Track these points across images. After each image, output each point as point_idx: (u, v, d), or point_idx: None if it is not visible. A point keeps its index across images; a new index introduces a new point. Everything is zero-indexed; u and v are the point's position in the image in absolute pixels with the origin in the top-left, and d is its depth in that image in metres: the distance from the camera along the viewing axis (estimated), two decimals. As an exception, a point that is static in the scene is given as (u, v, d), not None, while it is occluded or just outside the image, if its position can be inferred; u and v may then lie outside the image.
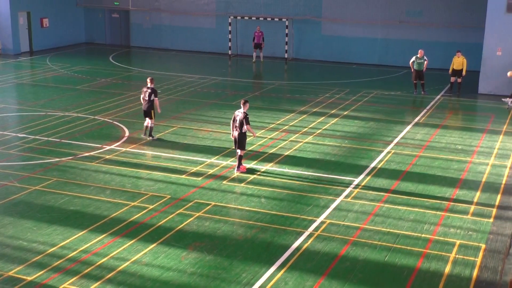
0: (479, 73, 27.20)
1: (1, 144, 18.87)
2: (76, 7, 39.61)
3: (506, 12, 25.94)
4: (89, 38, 40.83)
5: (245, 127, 15.91)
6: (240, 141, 16.11)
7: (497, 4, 25.93)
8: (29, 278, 11.04)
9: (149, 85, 18.87)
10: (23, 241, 12.52)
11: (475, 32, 30.04)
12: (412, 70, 26.25)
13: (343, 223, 13.55)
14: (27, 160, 17.51)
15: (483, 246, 12.54)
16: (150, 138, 19.13)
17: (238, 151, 16.29)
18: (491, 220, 13.82)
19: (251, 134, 17.00)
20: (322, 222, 13.55)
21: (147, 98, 18.71)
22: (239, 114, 16.00)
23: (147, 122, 19.06)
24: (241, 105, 16.14)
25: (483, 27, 26.88)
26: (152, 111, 18.76)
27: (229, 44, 36.46)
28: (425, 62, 25.82)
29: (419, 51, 25.90)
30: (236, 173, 16.38)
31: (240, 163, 16.45)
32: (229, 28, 36.20)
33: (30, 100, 25.12)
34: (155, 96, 18.77)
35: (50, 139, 19.47)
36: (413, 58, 26.06)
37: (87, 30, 40.68)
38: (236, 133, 16.09)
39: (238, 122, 15.96)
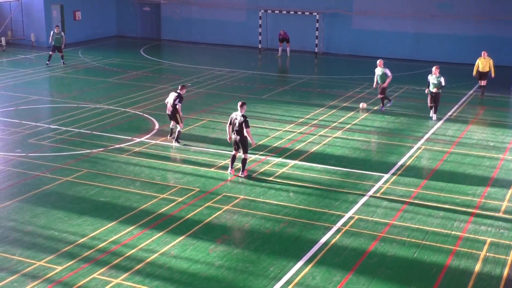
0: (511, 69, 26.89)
1: (33, 136, 19.13)
2: (108, 0, 39.90)
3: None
4: (120, 31, 41.13)
5: (245, 130, 15.36)
6: (244, 145, 15.57)
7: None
8: (60, 268, 11.18)
9: (179, 90, 18.25)
10: (54, 231, 12.69)
11: (506, 25, 29.57)
12: (427, 91, 21.99)
13: (371, 218, 13.49)
14: (59, 152, 17.71)
15: (514, 244, 12.42)
16: (176, 143, 18.39)
17: (242, 155, 15.72)
18: (523, 218, 13.68)
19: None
20: (351, 218, 13.51)
21: (171, 102, 17.98)
22: (237, 117, 15.45)
23: (172, 124, 18.60)
24: (238, 107, 15.64)
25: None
26: (177, 115, 18.21)
27: (259, 38, 36.43)
28: (442, 81, 21.26)
29: (434, 68, 21.60)
30: (241, 175, 15.85)
31: (244, 167, 15.81)
32: (259, 22, 36.17)
33: (62, 92, 25.43)
34: (180, 102, 17.98)
35: (81, 130, 19.69)
36: (429, 78, 21.76)
37: (118, 23, 40.98)
38: (237, 138, 15.50)
39: (237, 126, 15.43)
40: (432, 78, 21.28)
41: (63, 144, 18.39)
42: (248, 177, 15.84)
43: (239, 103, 15.73)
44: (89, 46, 36.89)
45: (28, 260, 11.46)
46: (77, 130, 19.76)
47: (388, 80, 22.45)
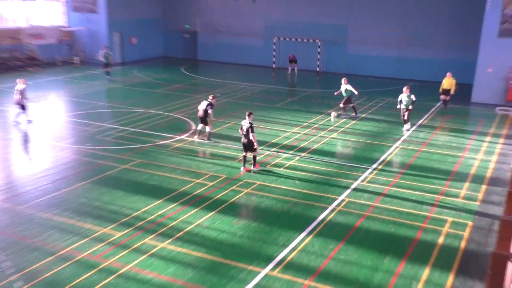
0: (471, 86, 26.67)
1: (100, 133, 19.38)
2: (156, 29, 40.16)
3: (498, 37, 25.23)
4: (166, 52, 41.36)
5: (251, 134, 15.23)
6: (250, 146, 15.36)
7: (491, 30, 25.29)
8: (119, 234, 11.41)
9: (210, 99, 18.21)
10: (115, 206, 12.93)
11: (468, 52, 29.38)
12: (399, 107, 20.88)
13: (359, 201, 13.56)
14: (118, 146, 17.91)
15: (470, 223, 12.43)
16: (208, 141, 18.35)
17: (250, 153, 15.57)
18: (477, 203, 13.66)
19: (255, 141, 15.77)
20: (343, 200, 13.60)
21: (203, 108, 17.95)
22: (245, 124, 15.31)
23: (201, 126, 18.50)
24: (246, 116, 15.47)
25: (476, 49, 26.29)
26: (207, 119, 18.10)
27: (273, 59, 36.47)
28: (412, 98, 20.20)
29: (405, 88, 20.63)
30: (253, 170, 15.63)
31: (255, 162, 15.67)
32: (274, 46, 36.22)
33: (121, 100, 25.66)
34: (211, 108, 17.99)
35: (135, 129, 19.90)
36: (400, 96, 20.61)
37: (165, 46, 41.21)
38: (245, 140, 15.33)
39: (245, 130, 15.30)
40: (403, 96, 20.34)
41: (121, 140, 18.61)
42: (259, 170, 15.81)
43: (247, 113, 15.61)
44: (142, 64, 37.13)
45: (95, 228, 11.71)
46: (132, 129, 19.99)
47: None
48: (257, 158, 15.98)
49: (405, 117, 20.62)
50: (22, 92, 19.99)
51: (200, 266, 10.23)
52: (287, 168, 16.03)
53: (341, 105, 22.77)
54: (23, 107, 20.19)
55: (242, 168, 15.70)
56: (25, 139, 19.04)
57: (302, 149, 17.92)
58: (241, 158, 15.97)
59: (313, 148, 18.14)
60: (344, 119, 22.23)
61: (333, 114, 22.54)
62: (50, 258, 10.41)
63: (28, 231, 11.54)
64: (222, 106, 23.97)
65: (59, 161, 16.31)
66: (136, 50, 38.42)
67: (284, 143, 18.61)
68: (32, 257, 10.42)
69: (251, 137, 15.22)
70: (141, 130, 19.81)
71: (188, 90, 28.55)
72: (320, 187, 14.54)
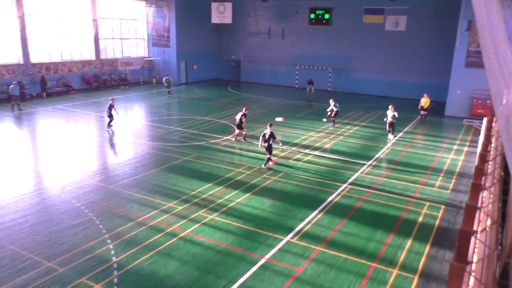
0: (445, 103, 25.81)
1: (168, 133, 19.48)
2: (211, 58, 40.33)
3: (464, 67, 24.50)
4: (218, 76, 41.45)
5: (272, 140, 14.69)
6: (270, 149, 14.80)
7: (459, 62, 24.50)
8: (180, 207, 11.39)
9: (243, 111, 18.18)
10: (177, 187, 12.93)
11: (443, 78, 28.44)
12: (385, 120, 19.61)
13: (358, 188, 13.21)
14: (181, 143, 17.95)
15: (443, 206, 11.93)
16: (245, 141, 18.11)
17: (269, 155, 14.94)
18: (448, 191, 13.11)
19: (278, 143, 16.43)
20: (346, 187, 13.27)
21: (239, 118, 17.92)
22: (267, 132, 14.69)
23: (237, 131, 18.35)
24: (268, 127, 15.00)
25: (448, 76, 25.45)
26: (243, 125, 17.95)
27: (296, 81, 36.10)
28: (395, 114, 18.94)
29: (390, 106, 19.37)
30: (271, 164, 15.09)
31: (268, 161, 14.96)
32: (296, 72, 35.82)
33: (184, 110, 25.83)
34: (244, 117, 17.91)
35: (194, 131, 19.93)
36: (387, 112, 19.30)
37: (217, 71, 41.30)
38: (266, 145, 14.76)
39: (267, 137, 14.74)
40: (389, 112, 18.97)
41: (184, 139, 18.64)
42: (279, 164, 15.57)
43: (268, 124, 15.10)
44: (200, 84, 37.31)
45: (163, 202, 11.73)
46: (191, 131, 20.01)
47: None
48: (283, 154, 15.73)
49: (391, 129, 19.23)
50: (112, 107, 20.09)
51: (238, 233, 10.09)
52: (305, 162, 15.77)
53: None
54: (111, 116, 20.24)
55: (263, 166, 14.91)
56: (114, 138, 19.32)
57: (316, 148, 17.60)
58: (276, 153, 15.76)
59: (324, 147, 17.79)
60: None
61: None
62: (131, 223, 10.44)
63: (116, 203, 11.64)
64: (257, 115, 23.81)
65: (138, 153, 16.45)
66: (196, 74, 38.54)
67: (303, 143, 18.31)
68: (118, 222, 10.49)
69: (271, 142, 14.76)
70: (198, 132, 19.81)
71: (232, 103, 28.51)
72: (330, 176, 14.24)
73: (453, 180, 14.18)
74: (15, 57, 27.63)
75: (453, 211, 11.68)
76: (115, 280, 8.16)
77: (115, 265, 8.67)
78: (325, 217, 11.15)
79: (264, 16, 37.30)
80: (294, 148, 17.47)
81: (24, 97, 26.64)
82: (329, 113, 22.08)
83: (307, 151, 17.19)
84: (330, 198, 12.38)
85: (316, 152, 17.03)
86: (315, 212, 11.38)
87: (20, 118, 21.98)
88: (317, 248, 9.53)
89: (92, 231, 10.05)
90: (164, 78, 30.32)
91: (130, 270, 8.50)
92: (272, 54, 37.63)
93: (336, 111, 21.75)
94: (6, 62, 27.12)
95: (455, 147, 18.47)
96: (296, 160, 16.00)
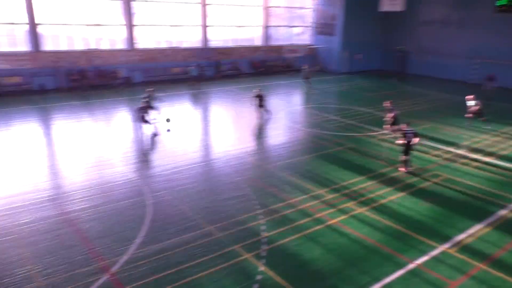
0: None
1: (325, 122, 19.53)
2: (376, 49, 38.72)
3: None
4: (382, 66, 39.62)
5: (413, 139, 13.11)
6: (407, 150, 13.19)
7: None
8: (329, 196, 11.42)
9: (388, 104, 16.95)
10: (329, 175, 12.99)
11: None
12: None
13: (540, 206, 11.15)
14: (337, 132, 17.84)
15: None
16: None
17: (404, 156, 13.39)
18: None
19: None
20: (523, 203, 11.36)
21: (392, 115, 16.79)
22: (411, 132, 13.12)
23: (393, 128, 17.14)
24: (405, 125, 13.33)
25: None
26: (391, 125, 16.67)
27: (470, 76, 32.00)
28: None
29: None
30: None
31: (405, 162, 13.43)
32: (476, 66, 31.70)
33: (343, 99, 25.59)
34: (394, 117, 16.70)
35: (351, 122, 19.59)
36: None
37: (382, 61, 39.51)
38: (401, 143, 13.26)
39: (411, 138, 13.09)
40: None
41: (340, 128, 18.51)
42: (444, 165, 14.13)
43: (406, 124, 13.51)
44: (362, 74, 36.29)
45: (313, 188, 11.97)
46: (348, 121, 19.70)
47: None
48: (447, 156, 14.31)
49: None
50: (261, 97, 19.82)
51: (388, 232, 9.67)
52: (473, 167, 14.04)
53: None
54: (261, 106, 19.80)
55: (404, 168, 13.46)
56: (271, 122, 20.07)
57: (489, 154, 15.45)
58: (433, 154, 14.50)
59: (500, 153, 15.48)
60: None
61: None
62: (282, 203, 11.00)
63: (270, 182, 12.38)
64: (423, 111, 22.06)
65: (294, 138, 16.99)
66: (360, 64, 37.64)
67: (474, 146, 16.28)
68: (271, 201, 11.16)
69: (412, 142, 13.18)
70: (355, 123, 19.43)
71: (395, 96, 26.94)
72: (502, 188, 12.37)
73: None
74: (197, 42, 31.63)
75: None
76: (263, 254, 8.76)
77: (265, 240, 9.30)
78: (493, 232, 9.78)
79: (439, 3, 33.96)
80: (460, 151, 15.68)
81: (203, 78, 30.34)
82: (472, 113, 19.27)
83: (478, 156, 15.24)
84: (501, 212, 10.79)
85: (488, 158, 14.97)
86: (481, 225, 10.09)
87: (197, 96, 25.06)
88: (479, 265, 8.47)
89: (248, 205, 10.93)
90: (313, 68, 30.28)
91: (277, 247, 9.01)
92: (446, 45, 34.12)
93: (478, 108, 18.91)
94: (189, 46, 31.28)
95: None
96: (463, 164, 14.36)
